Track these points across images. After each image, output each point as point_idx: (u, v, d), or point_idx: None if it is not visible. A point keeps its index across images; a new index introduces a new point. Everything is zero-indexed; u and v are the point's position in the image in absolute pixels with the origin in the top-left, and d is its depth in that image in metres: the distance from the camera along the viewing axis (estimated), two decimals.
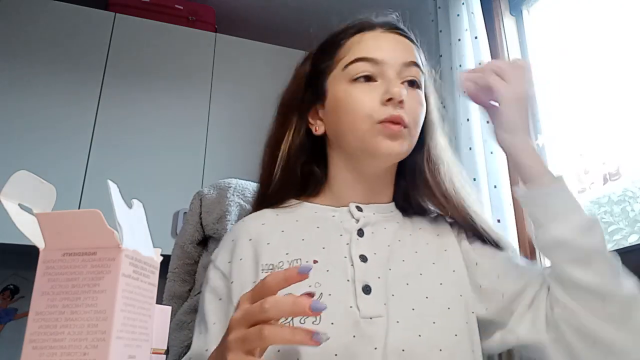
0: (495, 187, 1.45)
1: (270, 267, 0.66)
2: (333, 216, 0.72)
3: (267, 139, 0.79)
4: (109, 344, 0.29)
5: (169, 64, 1.95)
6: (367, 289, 0.63)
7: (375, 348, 0.58)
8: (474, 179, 1.47)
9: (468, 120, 1.52)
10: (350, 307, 0.61)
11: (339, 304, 0.61)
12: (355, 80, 0.70)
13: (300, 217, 0.73)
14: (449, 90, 1.66)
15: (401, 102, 0.67)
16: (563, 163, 1.50)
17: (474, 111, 1.52)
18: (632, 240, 1.25)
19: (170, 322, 0.69)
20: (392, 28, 0.74)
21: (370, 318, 0.60)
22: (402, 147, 0.68)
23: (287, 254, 0.67)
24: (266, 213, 0.75)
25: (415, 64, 0.72)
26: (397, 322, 0.61)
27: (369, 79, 0.69)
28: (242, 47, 2.09)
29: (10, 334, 1.78)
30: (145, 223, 0.35)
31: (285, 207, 0.75)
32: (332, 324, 0.58)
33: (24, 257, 1.64)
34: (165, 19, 2.02)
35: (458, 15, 1.66)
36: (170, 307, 0.43)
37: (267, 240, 0.69)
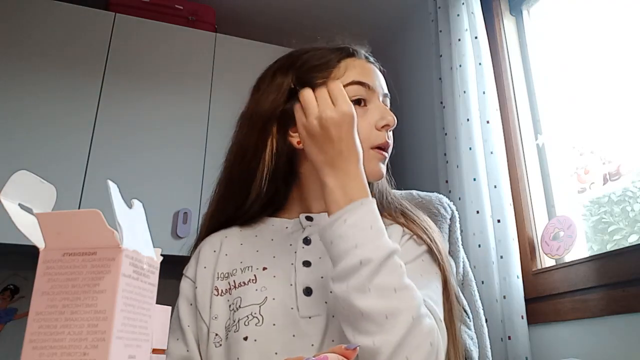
0: (495, 187, 1.45)
1: (225, 275, 0.72)
2: (286, 227, 0.77)
3: (235, 152, 0.78)
4: (109, 344, 0.29)
5: (169, 64, 1.95)
6: (307, 291, 0.68)
7: (312, 344, 0.63)
8: (474, 179, 1.47)
9: (468, 120, 1.52)
10: (291, 308, 0.66)
11: (281, 306, 0.66)
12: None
13: (259, 232, 0.78)
14: (449, 90, 1.66)
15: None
16: (563, 163, 1.50)
17: (474, 111, 1.52)
18: (632, 240, 1.25)
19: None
20: (373, 61, 0.81)
21: (309, 317, 0.65)
22: (385, 170, 0.76)
23: (241, 262, 0.73)
24: (232, 229, 0.80)
25: (389, 96, 0.80)
26: (333, 316, 0.65)
27: (360, 102, 0.74)
28: (242, 47, 2.09)
29: (10, 334, 1.77)
30: (145, 223, 0.36)
31: (250, 224, 0.80)
32: (274, 325, 0.64)
33: (24, 257, 1.64)
34: (165, 19, 2.02)
35: (458, 15, 1.66)
36: (170, 307, 0.43)
37: (226, 252, 0.75)
